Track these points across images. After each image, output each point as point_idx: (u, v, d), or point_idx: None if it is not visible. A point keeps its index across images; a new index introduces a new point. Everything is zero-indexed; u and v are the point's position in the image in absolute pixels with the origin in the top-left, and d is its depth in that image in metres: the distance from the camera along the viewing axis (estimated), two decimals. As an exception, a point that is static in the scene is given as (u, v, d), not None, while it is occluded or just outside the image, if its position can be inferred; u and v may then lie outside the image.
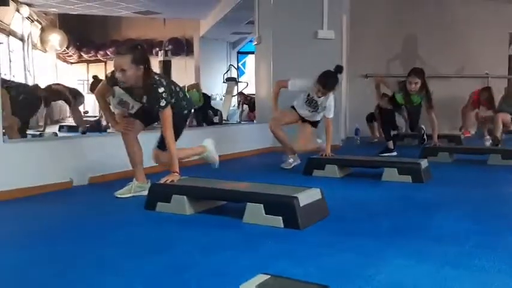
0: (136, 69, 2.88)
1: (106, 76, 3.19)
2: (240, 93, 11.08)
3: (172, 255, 2.03)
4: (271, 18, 6.49)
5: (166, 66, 12.02)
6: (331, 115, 4.31)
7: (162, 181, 2.87)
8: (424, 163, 3.83)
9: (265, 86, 6.78)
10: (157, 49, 12.98)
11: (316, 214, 2.53)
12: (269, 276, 1.40)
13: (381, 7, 8.31)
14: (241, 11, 8.39)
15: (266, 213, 2.44)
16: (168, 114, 2.97)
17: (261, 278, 1.39)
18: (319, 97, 4.25)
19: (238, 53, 13.31)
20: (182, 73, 12.61)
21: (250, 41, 10.83)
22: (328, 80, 4.14)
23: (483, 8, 8.51)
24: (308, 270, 1.83)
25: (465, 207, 2.92)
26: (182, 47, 13.28)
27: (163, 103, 2.94)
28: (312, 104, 4.38)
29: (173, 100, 3.06)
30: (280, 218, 2.41)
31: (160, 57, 12.15)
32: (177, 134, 3.10)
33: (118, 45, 13.81)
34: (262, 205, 2.46)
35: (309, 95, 4.34)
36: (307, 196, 2.50)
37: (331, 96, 4.25)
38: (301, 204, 2.40)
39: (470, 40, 8.43)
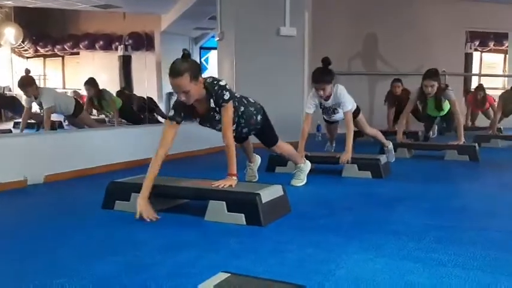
0: (198, 84, 2.61)
1: (170, 117, 2.72)
2: None
3: (130, 256, 1.98)
4: (234, 14, 6.45)
5: (126, 61, 11.78)
6: (348, 107, 3.91)
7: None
8: (383, 159, 3.90)
9: (228, 82, 6.73)
10: (116, 44, 12.71)
11: (278, 210, 2.53)
12: (229, 274, 1.38)
13: (343, 6, 8.41)
14: (204, 6, 8.30)
15: (228, 211, 2.42)
16: (230, 107, 2.76)
17: (221, 276, 1.37)
18: (327, 100, 3.93)
19: (201, 48, 13.18)
20: (142, 68, 12.40)
21: (213, 37, 10.73)
22: (315, 75, 3.86)
23: (441, 7, 8.75)
24: (269, 266, 1.82)
25: (424, 202, 2.98)
26: (142, 42, 13.04)
27: (227, 96, 2.72)
28: (328, 110, 4.11)
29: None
30: (243, 215, 2.39)
31: (120, 52, 11.90)
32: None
33: (78, 40, 13.46)
34: (224, 202, 2.44)
35: (321, 104, 4.03)
36: (269, 193, 2.49)
37: (338, 90, 3.88)
38: (264, 201, 2.39)
39: (428, 39, 8.65)
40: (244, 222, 2.38)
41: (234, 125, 2.95)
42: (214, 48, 9.45)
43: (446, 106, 5.07)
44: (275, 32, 6.38)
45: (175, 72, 2.54)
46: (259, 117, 3.15)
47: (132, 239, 2.23)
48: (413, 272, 1.75)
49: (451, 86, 5.82)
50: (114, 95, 7.25)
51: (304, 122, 3.94)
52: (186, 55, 2.59)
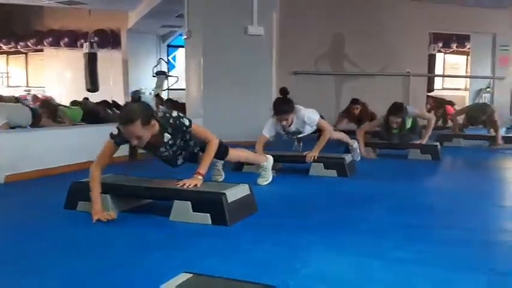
0: (150, 127, 2.55)
1: (112, 136, 2.63)
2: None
3: (93, 257, 1.94)
4: (201, 12, 6.42)
5: (91, 58, 11.55)
6: (315, 119, 3.95)
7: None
8: (348, 158, 3.95)
9: (195, 81, 6.71)
10: (82, 41, 12.45)
11: (244, 210, 2.52)
12: (191, 274, 1.37)
13: (310, 6, 8.47)
14: (171, 4, 8.23)
15: (194, 211, 2.41)
16: (196, 127, 2.79)
17: (183, 277, 1.35)
18: (290, 126, 3.90)
19: (169, 46, 13.06)
20: (108, 66, 12.19)
21: (181, 35, 10.63)
22: (276, 107, 3.82)
23: (405, 9, 8.91)
24: (235, 266, 1.82)
25: (389, 200, 3.04)
26: (108, 39, 12.82)
27: (187, 122, 2.72)
28: (293, 134, 4.10)
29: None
30: (208, 215, 2.38)
31: (86, 50, 11.65)
32: None
33: (42, 36, 13.10)
34: (189, 202, 2.42)
35: (284, 129, 3.97)
36: (236, 192, 2.49)
37: (299, 113, 3.87)
38: (229, 201, 2.38)
39: (393, 40, 8.81)
40: (210, 222, 2.37)
41: (175, 147, 2.86)
42: (182, 47, 9.37)
43: (409, 122, 5.08)
44: (243, 31, 6.38)
45: (126, 120, 2.48)
46: (196, 149, 3.07)
47: (97, 240, 2.19)
48: (380, 270, 1.78)
49: (415, 86, 5.96)
50: (78, 103, 7.12)
51: (258, 142, 3.85)
52: (136, 99, 2.56)
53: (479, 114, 6.17)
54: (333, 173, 3.82)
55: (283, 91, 3.82)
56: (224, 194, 2.38)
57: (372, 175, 4.02)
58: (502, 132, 6.86)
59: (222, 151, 3.08)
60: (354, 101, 6.84)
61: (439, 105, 8.15)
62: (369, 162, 4.67)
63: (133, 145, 2.60)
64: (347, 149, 4.66)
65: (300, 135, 4.23)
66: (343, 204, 2.98)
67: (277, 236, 2.24)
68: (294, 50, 8.24)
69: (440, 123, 8.00)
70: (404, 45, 8.90)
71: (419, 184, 3.76)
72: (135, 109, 2.51)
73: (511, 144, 5.91)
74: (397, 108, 4.85)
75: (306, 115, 3.90)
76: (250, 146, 4.08)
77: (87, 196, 2.61)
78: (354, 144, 4.68)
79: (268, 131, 3.89)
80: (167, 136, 2.71)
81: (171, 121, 2.68)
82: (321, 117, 4.30)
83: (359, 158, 4.66)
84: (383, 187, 3.51)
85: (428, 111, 8.11)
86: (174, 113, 2.74)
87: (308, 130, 4.06)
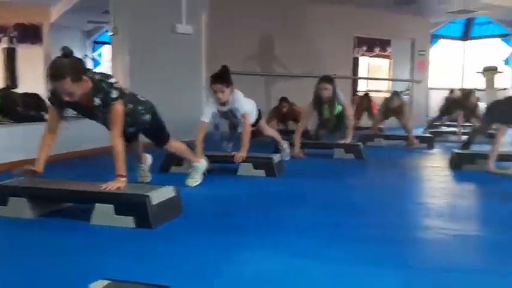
0: (82, 83, 2.49)
1: (48, 99, 2.62)
2: None
3: (5, 265, 1.82)
4: (128, 8, 6.24)
5: (10, 54, 10.89)
6: (245, 109, 3.93)
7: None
8: (276, 157, 4.01)
9: (121, 79, 6.50)
10: (1, 35, 11.71)
11: (170, 212, 2.49)
12: (109, 281, 1.33)
13: (239, 6, 8.51)
14: (96, -1, 7.96)
15: (116, 214, 2.33)
16: (119, 106, 2.62)
17: (101, 283, 1.31)
18: (224, 105, 3.89)
19: (94, 42, 12.59)
20: (29, 62, 11.56)
21: (107, 31, 10.30)
22: (214, 76, 3.84)
23: (331, 13, 9.18)
24: (158, 270, 1.78)
25: (315, 199, 3.12)
26: (29, 34, 12.14)
27: (115, 94, 2.59)
28: (227, 115, 4.06)
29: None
30: (131, 218, 2.32)
31: (4, 44, 10.97)
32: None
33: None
34: (112, 205, 2.34)
35: (219, 109, 3.96)
36: (160, 194, 2.44)
37: (235, 95, 3.87)
38: (153, 203, 2.33)
39: (319, 42, 9.05)
40: (133, 225, 2.31)
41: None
42: (109, 43, 9.08)
43: (338, 108, 5.32)
44: (171, 29, 6.28)
45: (55, 76, 2.42)
46: (147, 117, 3.07)
47: (12, 246, 2.06)
48: (309, 270, 1.81)
49: (341, 88, 6.14)
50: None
51: (199, 130, 3.84)
52: (67, 54, 2.45)
53: (391, 101, 6.66)
54: (261, 172, 3.85)
55: (223, 66, 3.88)
56: (148, 196, 2.32)
57: (299, 174, 4.11)
58: (419, 132, 7.31)
59: (165, 139, 3.18)
60: (283, 99, 7.06)
61: (364, 96, 8.45)
62: (297, 162, 4.77)
63: (64, 100, 2.52)
64: (276, 148, 4.73)
65: (236, 125, 4.20)
66: (271, 204, 3.02)
67: (204, 237, 2.22)
68: (225, 50, 8.23)
69: (367, 116, 8.26)
70: (331, 48, 9.17)
71: (344, 183, 3.89)
72: (64, 64, 2.43)
73: (425, 144, 6.30)
74: (326, 76, 5.22)
75: (240, 99, 3.91)
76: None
77: (1, 200, 2.46)
78: (285, 145, 4.77)
79: (206, 116, 3.88)
80: (97, 101, 2.61)
81: (103, 85, 2.59)
82: (259, 114, 4.33)
83: (288, 157, 4.74)
84: (310, 186, 3.60)
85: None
86: (112, 79, 2.66)
87: (239, 116, 4.02)
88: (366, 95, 8.27)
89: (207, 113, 3.89)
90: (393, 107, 6.65)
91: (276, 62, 9.07)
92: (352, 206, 2.98)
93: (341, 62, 9.53)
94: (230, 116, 4.11)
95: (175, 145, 3.37)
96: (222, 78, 3.83)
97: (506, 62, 12.06)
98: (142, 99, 3.09)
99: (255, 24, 8.56)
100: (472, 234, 2.41)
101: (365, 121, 8.16)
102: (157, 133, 3.23)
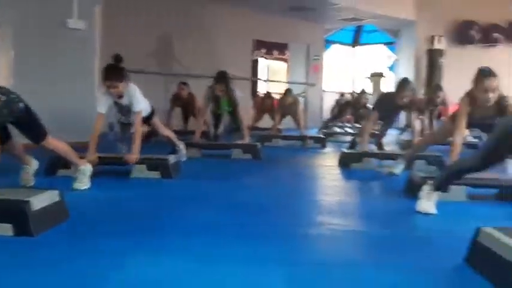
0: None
1: None
2: None
3: None
4: (14, 1, 5.76)
5: None
6: (139, 107, 3.77)
7: None
8: (172, 158, 3.93)
9: (4, 75, 5.99)
10: None
11: (53, 218, 2.31)
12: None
13: (137, 3, 8.26)
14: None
15: (-8, 221, 2.12)
16: None
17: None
18: (120, 98, 3.73)
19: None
20: None
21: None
22: (106, 72, 3.66)
23: (231, 15, 9.28)
24: (38, 280, 1.65)
25: (213, 200, 3.10)
26: None
27: None
28: (123, 110, 3.89)
29: None
30: (10, 225, 2.12)
31: None
32: None
33: None
34: (-14, 212, 2.13)
35: (115, 103, 3.80)
36: (42, 199, 2.26)
37: (130, 89, 3.73)
38: (34, 209, 2.15)
39: (219, 43, 9.10)
40: (12, 234, 2.12)
41: None
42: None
43: (228, 106, 5.45)
44: (62, 24, 5.91)
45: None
46: (21, 105, 2.87)
47: None
48: (200, 272, 1.77)
49: (240, 90, 6.26)
50: None
51: (95, 122, 3.67)
52: None
53: (286, 98, 7.03)
54: (156, 174, 3.75)
55: (117, 58, 3.67)
56: (28, 201, 2.14)
57: (197, 175, 4.07)
58: (313, 132, 7.64)
59: (41, 134, 2.98)
60: (183, 83, 7.23)
61: (266, 97, 8.59)
62: (194, 163, 4.72)
63: None
64: (173, 149, 4.64)
65: (131, 118, 4.01)
66: (166, 206, 2.94)
67: (90, 244, 2.10)
68: (120, 48, 7.95)
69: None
70: (230, 50, 9.27)
71: (241, 183, 3.92)
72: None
73: (319, 144, 6.62)
74: (220, 75, 5.35)
75: (135, 94, 3.77)
76: (72, 146, 3.81)
77: None
78: (181, 145, 4.70)
79: (102, 106, 3.70)
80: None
81: None
82: (152, 111, 4.21)
83: (185, 158, 4.68)
84: (207, 187, 3.57)
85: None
86: None
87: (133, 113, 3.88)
88: (269, 95, 8.42)
89: (103, 103, 3.71)
90: (287, 104, 6.94)
91: (176, 62, 8.95)
92: (246, 205, 2.99)
93: (240, 63, 9.66)
94: (125, 112, 3.96)
95: (56, 144, 3.12)
96: (113, 73, 3.66)
97: (391, 68, 13.04)
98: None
99: (154, 22, 8.39)
100: (358, 230, 2.54)
101: (266, 122, 8.32)
102: (33, 126, 2.98)
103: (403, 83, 4.70)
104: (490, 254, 1.77)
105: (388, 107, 4.79)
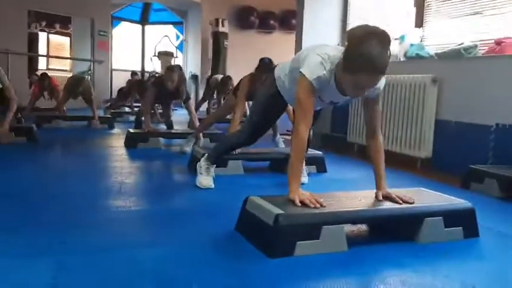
0: None
1: None
2: None
3: None
4: None
5: None
6: None
7: None
8: None
9: None
10: None
11: None
12: None
13: None
14: None
15: None
16: None
17: None
18: None
19: None
20: None
21: None
22: None
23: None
24: None
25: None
26: None
27: None
28: None
29: None
30: None
31: None
32: None
33: None
34: None
35: None
36: None
37: None
38: None
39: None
40: None
41: None
42: None
43: None
44: None
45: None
46: None
47: None
48: None
49: (16, 65, 5.59)
50: None
51: None
52: None
53: (75, 86, 6.62)
54: None
55: None
56: None
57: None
58: (100, 112, 7.35)
59: None
60: None
61: (43, 78, 7.77)
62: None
63: None
64: None
65: None
66: None
67: None
68: None
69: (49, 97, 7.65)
70: (2, 23, 8.23)
71: (17, 170, 3.50)
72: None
73: (106, 124, 6.42)
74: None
75: None
76: None
77: None
78: None
79: None
80: None
81: None
82: None
83: None
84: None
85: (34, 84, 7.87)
86: None
87: None
88: (45, 76, 7.62)
89: None
90: (81, 90, 6.59)
91: None
92: (24, 196, 2.71)
93: (14, 36, 8.65)
94: None
95: None
96: None
97: (180, 48, 13.25)
98: None
99: None
100: (141, 209, 2.52)
101: (44, 102, 7.60)
102: None
103: (172, 68, 4.78)
104: (253, 219, 1.96)
105: (162, 90, 4.79)
